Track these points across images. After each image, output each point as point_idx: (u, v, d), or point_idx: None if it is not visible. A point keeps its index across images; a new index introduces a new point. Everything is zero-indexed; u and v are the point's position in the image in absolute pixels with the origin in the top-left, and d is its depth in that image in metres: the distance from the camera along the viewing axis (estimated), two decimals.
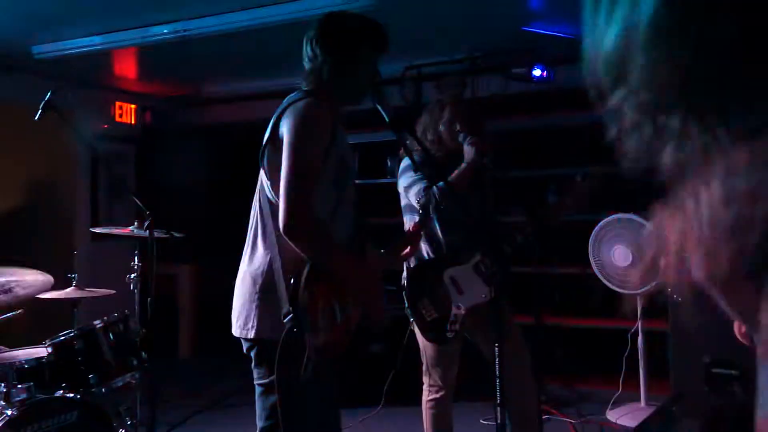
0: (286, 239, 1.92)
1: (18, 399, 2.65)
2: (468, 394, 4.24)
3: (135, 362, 3.21)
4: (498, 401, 2.18)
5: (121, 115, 6.31)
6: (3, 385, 2.67)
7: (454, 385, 3.03)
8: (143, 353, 3.28)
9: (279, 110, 2.06)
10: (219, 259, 6.68)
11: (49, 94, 3.13)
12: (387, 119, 2.23)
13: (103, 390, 3.06)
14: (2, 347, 3.34)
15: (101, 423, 2.85)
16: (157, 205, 3.61)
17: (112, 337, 3.17)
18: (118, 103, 6.30)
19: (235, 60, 5.45)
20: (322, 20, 2.15)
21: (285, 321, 1.90)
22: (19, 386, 2.70)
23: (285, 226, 1.89)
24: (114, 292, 3.75)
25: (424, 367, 3.05)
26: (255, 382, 2.07)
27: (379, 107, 2.21)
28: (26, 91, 5.40)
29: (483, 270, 2.89)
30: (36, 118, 3.16)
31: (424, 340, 2.94)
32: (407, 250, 2.35)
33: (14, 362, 2.86)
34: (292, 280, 1.90)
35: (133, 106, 6.42)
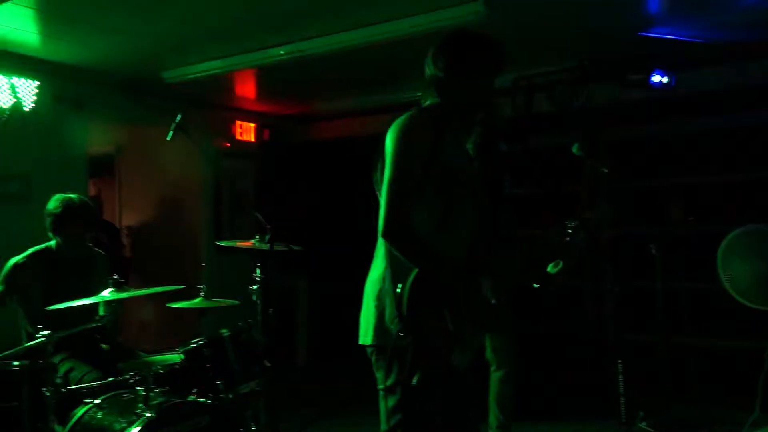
0: None
1: (155, 402, 2.83)
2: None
3: (258, 370, 3.36)
4: (623, 420, 2.10)
5: (241, 134, 6.65)
6: (142, 389, 2.86)
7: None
8: (266, 361, 3.43)
9: (390, 126, 2.13)
10: (334, 271, 6.91)
11: (179, 116, 3.35)
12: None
13: (230, 396, 3.22)
14: (141, 353, 3.60)
15: (230, 427, 2.99)
16: (275, 219, 3.77)
17: (237, 345, 3.32)
18: (238, 122, 6.64)
19: (348, 77, 5.60)
20: (444, 39, 2.20)
21: (391, 326, 1.98)
22: (156, 390, 2.88)
23: (382, 233, 2.01)
24: (238, 302, 3.94)
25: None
26: (378, 387, 2.13)
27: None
28: (156, 113, 5.83)
29: None
30: (168, 138, 3.39)
31: None
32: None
33: (151, 368, 3.05)
34: (399, 287, 1.96)
35: (252, 124, 6.74)
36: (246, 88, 6.09)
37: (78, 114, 5.21)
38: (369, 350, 2.14)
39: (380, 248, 2.14)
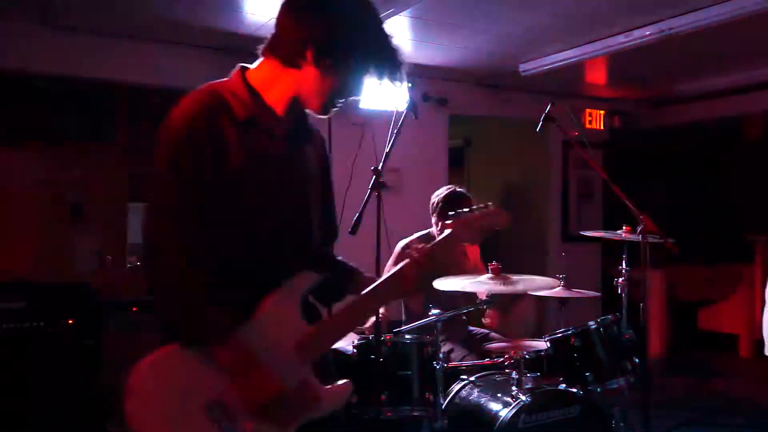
0: None
1: (527, 387, 2.91)
2: None
3: (628, 366, 3.23)
4: None
5: (590, 122, 6.51)
6: (515, 372, 2.97)
7: None
8: (635, 357, 3.28)
9: None
10: (690, 264, 6.40)
11: (549, 106, 3.39)
12: None
13: (598, 389, 3.16)
14: (505, 338, 3.75)
15: (600, 421, 2.94)
16: (624, 208, 3.58)
17: (606, 338, 3.24)
18: (587, 110, 6.51)
19: (712, 54, 5.08)
20: None
21: None
22: (529, 375, 2.96)
23: None
24: (599, 294, 3.87)
25: None
26: None
27: None
28: (505, 105, 6.02)
29: None
30: (537, 129, 3.45)
31: None
32: None
33: (520, 353, 3.15)
34: None
35: (601, 111, 6.56)
36: (597, 75, 5.93)
37: (440, 110, 5.63)
38: None
39: None
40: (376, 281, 1.67)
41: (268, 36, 1.70)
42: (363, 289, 1.67)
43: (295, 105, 1.71)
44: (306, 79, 1.65)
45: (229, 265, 1.60)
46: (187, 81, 4.43)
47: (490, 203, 1.66)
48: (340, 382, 1.65)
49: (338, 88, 1.68)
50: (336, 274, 1.82)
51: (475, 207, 1.65)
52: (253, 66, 1.72)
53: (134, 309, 4.02)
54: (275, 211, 1.66)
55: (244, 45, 4.58)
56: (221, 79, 1.70)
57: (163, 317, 1.60)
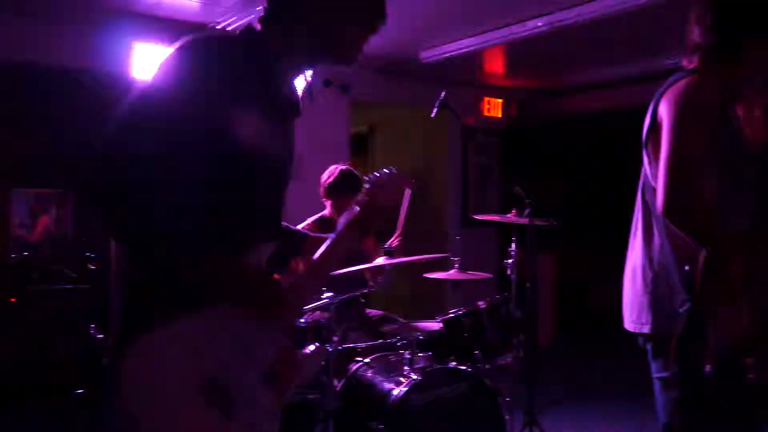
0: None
1: (419, 366, 3.00)
2: None
3: (514, 343, 3.38)
4: None
5: (489, 110, 6.70)
6: (408, 352, 3.04)
7: None
8: (521, 335, 3.44)
9: (659, 93, 1.97)
10: (580, 247, 6.74)
11: (443, 94, 3.47)
12: None
13: (487, 366, 3.29)
14: (400, 318, 3.83)
15: (487, 396, 3.07)
16: (529, 194, 3.74)
17: (494, 317, 3.38)
18: (486, 99, 6.69)
19: (603, 45, 5.34)
20: None
21: (681, 312, 1.82)
22: (421, 354, 3.04)
23: (662, 209, 1.83)
24: (491, 276, 4.00)
25: None
26: (654, 376, 2.02)
27: None
28: (407, 92, 6.09)
29: None
30: (432, 116, 3.52)
31: None
32: None
33: (414, 333, 3.23)
34: (686, 267, 1.81)
35: (499, 100, 6.75)
36: (495, 64, 6.10)
37: (342, 96, 5.63)
38: (642, 339, 2.04)
39: (645, 227, 2.01)
40: (326, 238, 1.66)
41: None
42: (313, 250, 1.65)
43: (300, 69, 1.74)
44: (323, 32, 1.62)
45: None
46: (75, 59, 4.30)
47: (393, 167, 1.75)
48: (311, 347, 1.67)
49: (353, 39, 1.65)
50: (286, 242, 1.82)
51: (384, 169, 1.71)
52: (263, 22, 1.65)
53: (12, 300, 3.82)
54: (267, 174, 1.60)
55: (133, 23, 4.51)
56: (231, 31, 1.61)
57: (155, 286, 1.43)
